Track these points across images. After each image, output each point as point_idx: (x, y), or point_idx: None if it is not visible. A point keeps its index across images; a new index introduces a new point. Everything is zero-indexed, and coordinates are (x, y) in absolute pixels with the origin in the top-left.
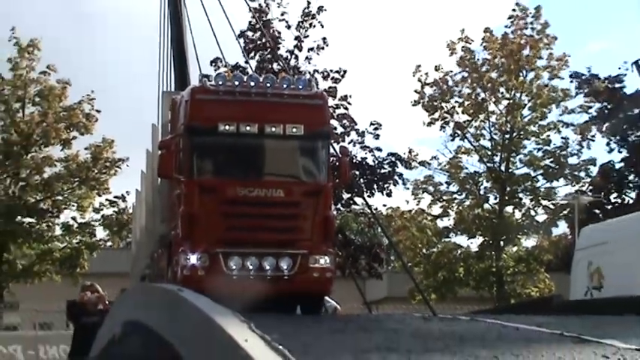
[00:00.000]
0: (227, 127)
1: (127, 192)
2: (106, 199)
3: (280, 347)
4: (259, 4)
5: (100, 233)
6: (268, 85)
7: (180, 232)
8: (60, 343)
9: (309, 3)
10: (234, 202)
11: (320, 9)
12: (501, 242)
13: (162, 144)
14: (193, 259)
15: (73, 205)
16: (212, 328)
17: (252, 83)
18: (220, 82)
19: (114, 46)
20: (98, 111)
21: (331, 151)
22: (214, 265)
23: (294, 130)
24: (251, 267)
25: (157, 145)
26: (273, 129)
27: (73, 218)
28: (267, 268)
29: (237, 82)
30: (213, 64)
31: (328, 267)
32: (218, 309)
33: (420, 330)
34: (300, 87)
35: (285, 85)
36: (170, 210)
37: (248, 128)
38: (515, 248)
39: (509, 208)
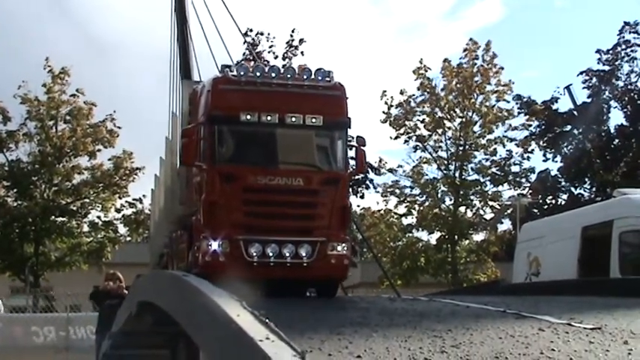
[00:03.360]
0: (248, 117)
1: (143, 195)
2: (126, 201)
3: (267, 321)
4: (252, 38)
5: (121, 230)
6: (289, 76)
7: (201, 218)
8: (87, 324)
9: (292, 36)
10: (255, 189)
11: (301, 41)
12: (456, 237)
13: (184, 132)
14: (214, 245)
15: (98, 207)
16: (209, 306)
17: (273, 74)
18: (242, 73)
19: (131, 71)
20: (119, 127)
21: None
22: (235, 252)
23: (314, 120)
24: (271, 254)
25: (177, 132)
26: (293, 119)
27: (98, 217)
28: (287, 255)
29: (258, 73)
30: None
31: (345, 254)
32: (216, 290)
33: (386, 308)
34: (320, 78)
35: (305, 77)
36: (189, 194)
37: (269, 118)
38: (467, 242)
39: (462, 209)
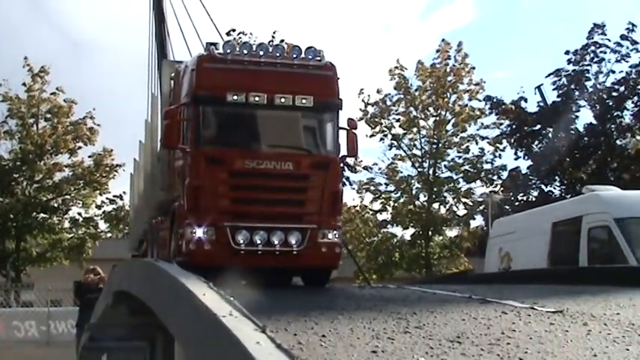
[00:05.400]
0: (235, 97)
1: (123, 192)
2: (107, 198)
3: (232, 299)
4: (234, 38)
5: (102, 226)
6: (278, 54)
7: (185, 203)
8: (68, 319)
9: (273, 37)
10: (242, 174)
11: (282, 41)
12: (429, 232)
13: (167, 113)
14: (199, 232)
15: (79, 203)
16: (178, 289)
17: (262, 52)
18: (228, 51)
19: (107, 71)
20: (99, 125)
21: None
22: (221, 239)
23: (304, 101)
24: (259, 241)
25: (158, 114)
26: (283, 100)
27: (79, 214)
28: (276, 242)
29: (245, 51)
30: None
31: (337, 241)
32: (184, 273)
33: (354, 294)
34: (310, 57)
35: (294, 56)
36: (171, 179)
37: (257, 98)
38: (440, 237)
39: (435, 205)
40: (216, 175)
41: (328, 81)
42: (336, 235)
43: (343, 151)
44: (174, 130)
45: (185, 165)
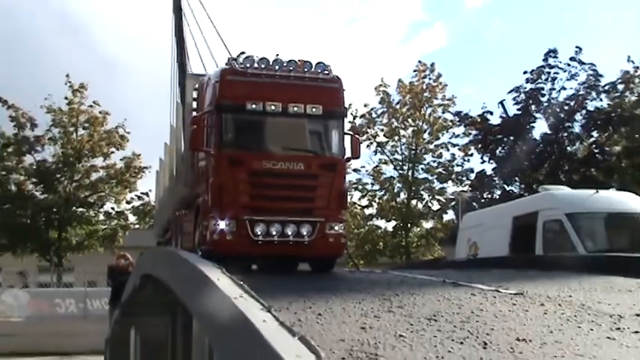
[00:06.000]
0: (254, 106)
1: (149, 190)
2: (135, 195)
3: (241, 283)
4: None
5: (131, 218)
6: (291, 68)
7: (209, 199)
8: (102, 297)
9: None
10: (260, 173)
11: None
12: (408, 225)
13: (193, 120)
14: (222, 224)
15: (112, 199)
16: (195, 273)
17: (277, 66)
18: (248, 65)
19: (135, 86)
20: (129, 132)
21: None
22: (241, 231)
23: (314, 109)
24: (275, 233)
25: (182, 120)
26: (295, 108)
27: (112, 208)
28: (290, 234)
29: (263, 65)
30: None
31: (342, 233)
32: (201, 261)
33: (345, 277)
34: (319, 71)
35: (305, 69)
36: (195, 177)
37: (272, 107)
38: (418, 229)
39: (414, 201)
40: (237, 174)
41: (335, 92)
42: (342, 228)
43: (348, 154)
44: (200, 134)
45: (209, 165)
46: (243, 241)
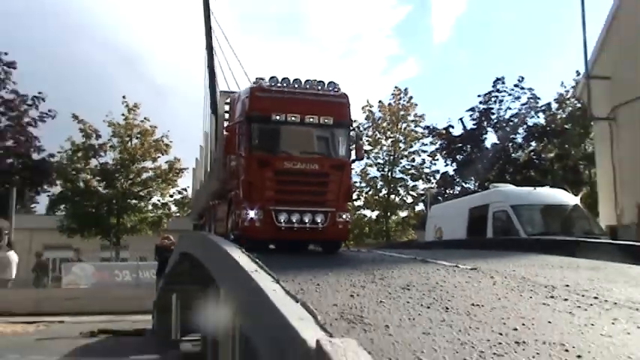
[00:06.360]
0: (277, 117)
1: (187, 186)
2: (176, 190)
3: (257, 260)
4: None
5: (173, 208)
6: (308, 86)
7: (240, 193)
8: (151, 269)
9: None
10: (282, 172)
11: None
12: (388, 214)
13: (228, 129)
14: (252, 214)
15: (158, 193)
16: (221, 253)
17: (296, 85)
18: (273, 83)
19: (176, 105)
20: (171, 141)
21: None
22: (267, 219)
23: (326, 120)
24: (294, 220)
25: (215, 129)
26: (311, 119)
27: (158, 200)
28: (307, 221)
29: (285, 84)
30: None
31: (348, 220)
32: (227, 243)
33: (339, 256)
34: (330, 89)
35: (319, 87)
36: (228, 175)
37: (293, 118)
38: (395, 217)
39: (392, 196)
40: (264, 173)
41: (343, 106)
42: (348, 216)
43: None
44: (232, 140)
45: (240, 165)
46: (268, 227)
